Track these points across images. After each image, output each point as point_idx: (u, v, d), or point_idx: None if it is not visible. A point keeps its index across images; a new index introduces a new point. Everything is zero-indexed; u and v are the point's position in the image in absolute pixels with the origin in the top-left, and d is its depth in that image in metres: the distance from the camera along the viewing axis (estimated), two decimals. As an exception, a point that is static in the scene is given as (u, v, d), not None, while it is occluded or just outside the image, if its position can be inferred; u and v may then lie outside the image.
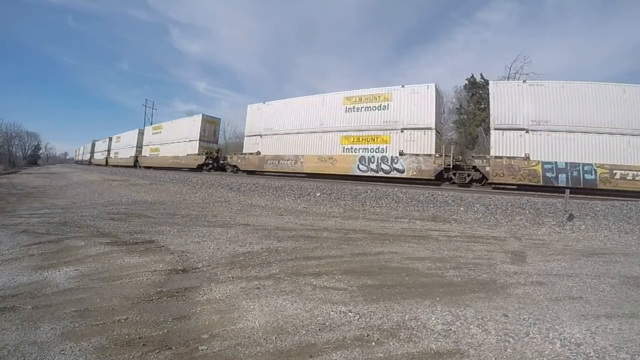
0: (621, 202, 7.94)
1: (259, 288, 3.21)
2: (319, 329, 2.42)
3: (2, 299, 2.85)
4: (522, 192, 10.61)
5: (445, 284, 3.49)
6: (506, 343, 2.26)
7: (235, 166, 18.61)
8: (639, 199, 8.45)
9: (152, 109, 50.98)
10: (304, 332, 2.39)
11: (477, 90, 27.50)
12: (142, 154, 29.98)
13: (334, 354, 2.09)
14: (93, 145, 50.95)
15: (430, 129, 12.08)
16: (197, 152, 21.56)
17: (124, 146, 35.55)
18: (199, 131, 21.89)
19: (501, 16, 76.14)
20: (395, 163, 12.55)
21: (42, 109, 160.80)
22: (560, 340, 2.30)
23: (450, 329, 2.45)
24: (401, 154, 12.43)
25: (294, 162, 15.32)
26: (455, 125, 30.09)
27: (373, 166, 13.02)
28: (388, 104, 13.03)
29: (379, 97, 13.33)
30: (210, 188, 12.91)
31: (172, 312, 2.67)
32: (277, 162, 15.98)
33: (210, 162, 20.95)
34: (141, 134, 31.57)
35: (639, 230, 6.64)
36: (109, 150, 40.54)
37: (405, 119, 12.55)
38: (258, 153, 16.94)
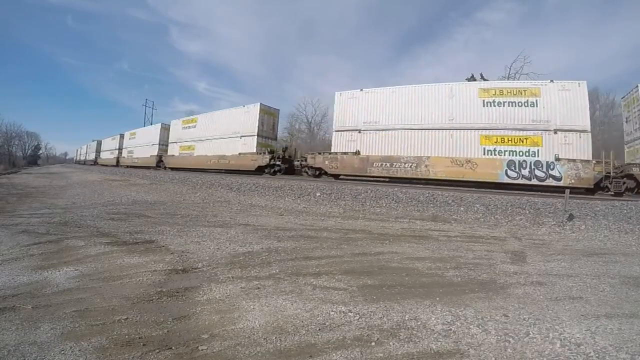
0: (621, 202, 7.95)
1: (259, 288, 3.21)
2: (319, 329, 2.42)
3: (2, 299, 2.85)
4: (523, 192, 10.61)
5: (445, 284, 3.49)
6: (506, 343, 2.26)
7: (319, 169, 15.11)
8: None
9: (152, 109, 51.23)
10: (304, 332, 2.39)
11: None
12: (169, 153, 25.37)
13: (334, 354, 2.09)
14: (99, 144, 46.68)
15: (586, 131, 10.88)
16: (254, 150, 17.22)
17: (141, 144, 30.79)
18: (256, 124, 17.24)
19: (501, 16, 76.11)
20: (552, 169, 10.96)
21: (42, 109, 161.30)
22: (560, 340, 2.30)
23: (450, 329, 2.45)
24: (557, 159, 10.92)
25: (414, 165, 12.70)
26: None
27: (525, 172, 11.26)
28: (536, 100, 11.38)
29: (525, 91, 11.62)
30: (210, 188, 12.92)
31: (172, 312, 2.67)
32: (388, 165, 13.16)
33: (279, 163, 16.65)
34: (165, 129, 26.91)
35: (639, 230, 6.63)
36: (120, 149, 36.43)
37: (558, 118, 11.09)
38: (357, 153, 13.89)
